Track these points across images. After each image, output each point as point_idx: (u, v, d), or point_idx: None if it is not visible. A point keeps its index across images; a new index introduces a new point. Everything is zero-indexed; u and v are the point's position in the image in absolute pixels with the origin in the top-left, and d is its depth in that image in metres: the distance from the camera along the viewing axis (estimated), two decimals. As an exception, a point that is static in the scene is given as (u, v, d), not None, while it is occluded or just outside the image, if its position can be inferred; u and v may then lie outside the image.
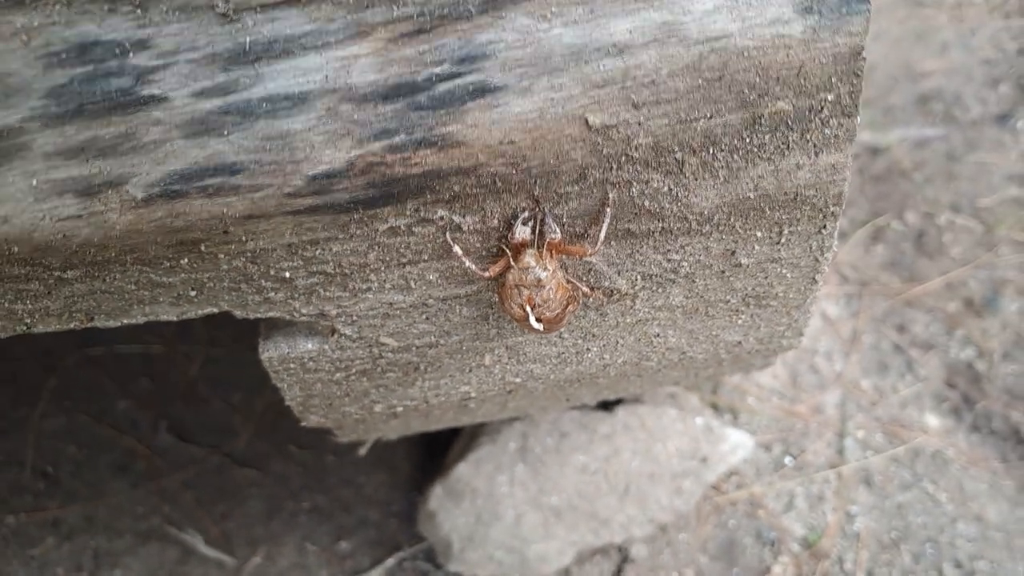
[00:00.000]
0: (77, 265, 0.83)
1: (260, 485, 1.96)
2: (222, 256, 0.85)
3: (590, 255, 0.84)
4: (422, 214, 0.83)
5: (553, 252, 0.84)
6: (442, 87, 0.75)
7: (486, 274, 0.85)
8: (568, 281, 0.88)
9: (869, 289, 2.23)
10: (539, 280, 0.82)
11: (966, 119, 2.62)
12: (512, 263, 0.83)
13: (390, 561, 1.80)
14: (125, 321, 0.92)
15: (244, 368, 2.06)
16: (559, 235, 0.83)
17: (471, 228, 0.85)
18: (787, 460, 1.89)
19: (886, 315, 2.17)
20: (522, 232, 0.83)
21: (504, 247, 0.84)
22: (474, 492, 1.62)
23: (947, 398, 1.97)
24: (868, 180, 2.49)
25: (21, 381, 2.15)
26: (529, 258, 0.82)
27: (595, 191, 0.83)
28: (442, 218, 0.83)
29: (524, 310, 0.83)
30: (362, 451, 1.40)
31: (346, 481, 1.97)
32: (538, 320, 0.84)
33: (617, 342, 1.03)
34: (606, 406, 1.71)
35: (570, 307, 0.87)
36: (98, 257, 0.82)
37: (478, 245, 0.87)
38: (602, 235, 0.83)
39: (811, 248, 0.92)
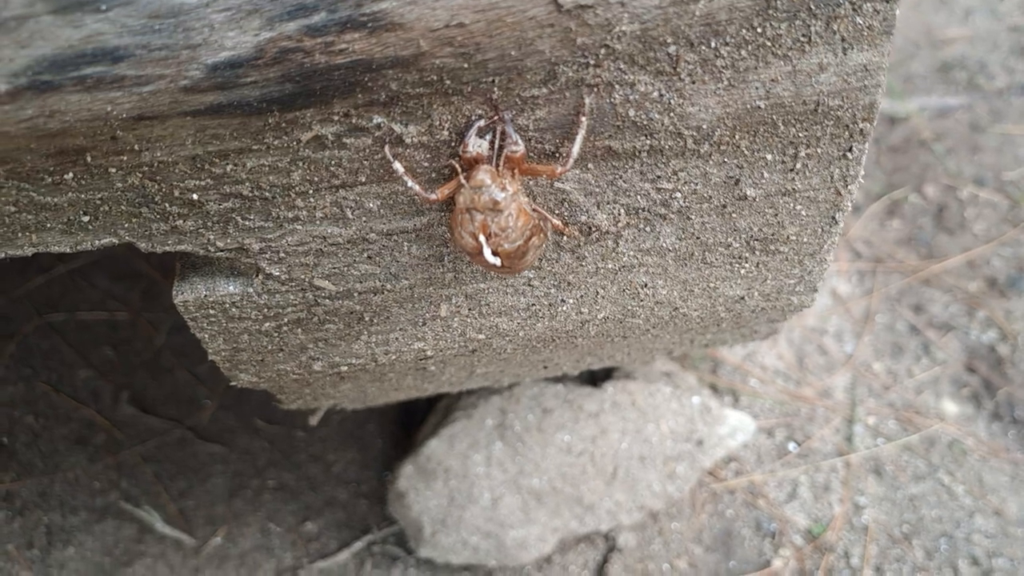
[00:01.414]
0: (-66, 176, 0.68)
1: (224, 461, 1.86)
2: (114, 171, 0.70)
3: (560, 175, 0.69)
4: (354, 120, 0.67)
5: (514, 170, 0.69)
6: (371, -54, 0.59)
7: (433, 197, 0.69)
8: (534, 209, 0.72)
9: (884, 266, 2.11)
10: (495, 202, 0.67)
11: (991, 88, 2.49)
12: (464, 182, 0.67)
13: (358, 544, 1.69)
14: (11, 252, 0.77)
15: None
16: (522, 148, 0.67)
17: (415, 141, 0.69)
18: (791, 446, 1.76)
19: (902, 294, 2.06)
20: (477, 145, 0.67)
21: (456, 164, 0.68)
22: (447, 471, 1.48)
23: (966, 384, 1.84)
24: (885, 151, 2.36)
25: (-23, 347, 2.04)
26: (483, 174, 0.67)
27: (568, 96, 0.67)
28: (379, 127, 0.68)
29: (477, 240, 0.68)
30: (313, 420, 1.24)
31: (315, 458, 1.88)
32: (494, 253, 0.68)
33: (597, 293, 0.87)
34: (594, 381, 1.57)
35: (534, 240, 0.71)
36: (-41, 166, 0.67)
37: (426, 164, 0.72)
38: (575, 151, 0.68)
39: (832, 177, 0.76)
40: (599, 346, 1.04)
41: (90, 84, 0.63)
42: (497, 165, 0.68)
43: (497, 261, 0.68)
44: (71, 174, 0.70)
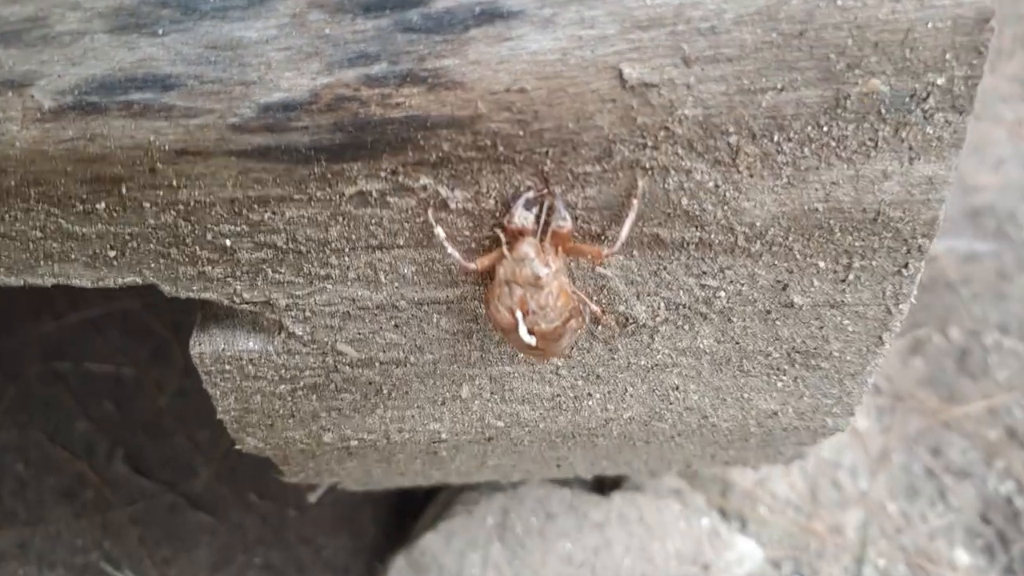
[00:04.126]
0: (-33, 192, 0.66)
1: (212, 532, 1.80)
2: (148, 206, 0.68)
3: (605, 258, 0.66)
4: (401, 179, 0.65)
5: (559, 247, 0.66)
6: (441, 3, 0.58)
7: (472, 267, 0.67)
8: (574, 292, 0.69)
9: (904, 404, 2.08)
10: (537, 277, 0.64)
11: (1019, 238, 2.49)
12: (506, 253, 0.65)
13: (340, 635, 1.59)
14: (29, 280, 0.74)
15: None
16: (569, 224, 0.65)
17: (460, 207, 0.67)
18: (798, 580, 1.68)
19: (920, 435, 2.02)
20: (523, 217, 0.65)
21: (499, 234, 0.66)
22: (441, 568, 1.41)
23: (980, 534, 1.78)
24: None
25: (-23, 389, 2.02)
26: (528, 247, 0.64)
27: (621, 177, 0.65)
28: (425, 188, 0.66)
29: (514, 316, 0.65)
30: (311, 497, 1.19)
31: (305, 540, 1.81)
32: (530, 332, 0.65)
33: (626, 390, 0.84)
34: (601, 489, 1.51)
35: (572, 323, 0.68)
36: (-7, 184, 0.65)
37: (467, 233, 0.70)
38: (623, 234, 0.65)
39: (884, 293, 0.73)
40: (618, 450, 0.99)
41: (137, 110, 0.62)
42: (542, 240, 0.66)
43: (532, 340, 0.65)
44: (104, 204, 0.68)
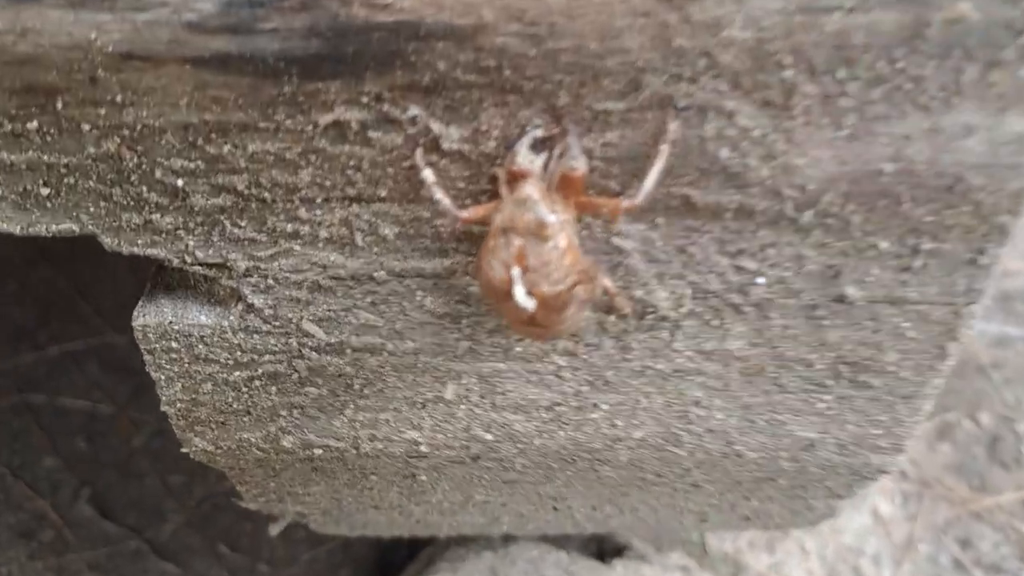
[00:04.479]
0: None
1: None
2: (88, 128, 0.57)
3: (625, 212, 0.55)
4: (386, 107, 0.55)
5: (570, 194, 0.55)
6: None
7: (464, 215, 0.56)
8: (583, 255, 0.57)
9: (931, 491, 1.97)
10: (541, 223, 0.52)
11: (1053, 324, 2.39)
12: (504, 194, 0.54)
13: None
14: (-54, 223, 0.63)
15: None
16: (583, 167, 0.54)
17: (455, 148, 0.57)
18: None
19: (948, 524, 1.92)
20: (528, 159, 0.54)
21: (499, 173, 0.55)
22: (417, 632, 1.25)
23: (1011, 637, 1.66)
24: None
25: (-55, 415, 1.94)
26: (531, 188, 0.53)
27: (649, 118, 0.54)
28: (415, 121, 0.55)
29: (509, 272, 0.53)
30: (273, 530, 1.05)
31: None
32: (529, 294, 0.53)
33: (638, 402, 0.71)
34: (601, 555, 1.36)
35: (579, 291, 0.55)
36: (-95, 89, 0.55)
37: (461, 185, 0.59)
38: (649, 184, 0.54)
39: (953, 288, 0.61)
40: (624, 488, 0.86)
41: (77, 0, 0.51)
42: (550, 184, 0.54)
43: (530, 304, 0.53)
44: (36, 123, 0.57)
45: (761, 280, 0.62)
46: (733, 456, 0.76)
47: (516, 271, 0.53)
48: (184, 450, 0.79)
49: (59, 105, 0.56)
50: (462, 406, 0.73)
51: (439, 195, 0.56)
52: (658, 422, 0.73)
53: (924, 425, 2.09)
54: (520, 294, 0.53)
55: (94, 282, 2.23)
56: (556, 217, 0.53)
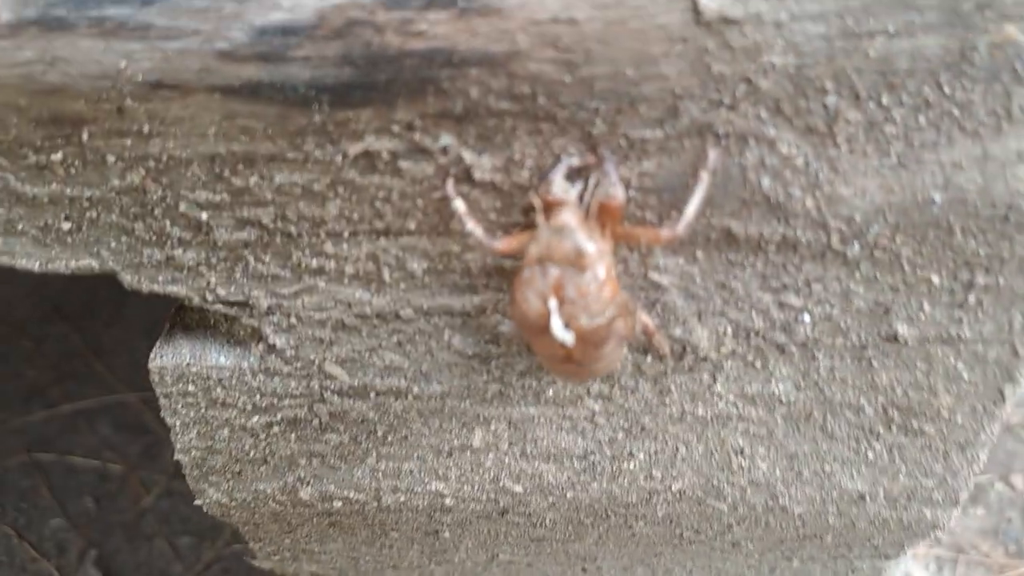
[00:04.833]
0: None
1: None
2: (113, 160, 0.56)
3: (665, 243, 0.53)
4: (417, 136, 0.53)
5: (607, 224, 0.53)
6: (481, -100, 0.48)
7: (497, 245, 0.54)
8: (622, 288, 0.55)
9: (966, 556, 1.92)
10: (580, 253, 0.50)
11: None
12: (541, 222, 0.52)
13: None
14: (-34, 259, 0.62)
15: (204, 511, 1.81)
16: (622, 196, 0.52)
17: (487, 179, 0.55)
18: None
19: None
20: (563, 188, 0.52)
21: (535, 201, 0.53)
22: None
23: None
24: None
25: (-46, 472, 1.92)
26: (569, 215, 0.51)
27: (687, 147, 0.53)
28: (446, 150, 0.54)
29: (546, 305, 0.50)
30: (288, 592, 1.00)
31: None
32: (567, 327, 0.50)
33: (677, 451, 0.68)
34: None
35: (619, 325, 0.53)
36: (-69, 120, 0.54)
37: (492, 217, 0.57)
38: (690, 213, 0.52)
39: (1010, 325, 0.58)
40: (660, 546, 0.81)
41: (109, 28, 0.51)
42: (587, 213, 0.52)
43: (569, 338, 0.50)
44: (61, 155, 0.56)
45: (806, 318, 0.59)
46: (778, 510, 0.72)
47: (553, 302, 0.50)
48: (197, 502, 0.76)
49: (85, 136, 0.55)
50: (490, 454, 0.70)
51: (471, 225, 0.54)
52: (698, 472, 0.70)
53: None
54: (558, 326, 0.50)
55: (108, 341, 2.23)
56: (595, 246, 0.51)
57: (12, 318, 2.29)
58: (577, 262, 0.51)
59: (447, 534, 0.80)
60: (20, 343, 2.24)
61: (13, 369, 2.17)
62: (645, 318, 0.58)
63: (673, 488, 0.71)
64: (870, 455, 0.67)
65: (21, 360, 2.20)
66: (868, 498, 0.70)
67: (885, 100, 0.51)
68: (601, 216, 0.53)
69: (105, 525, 1.84)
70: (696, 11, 0.49)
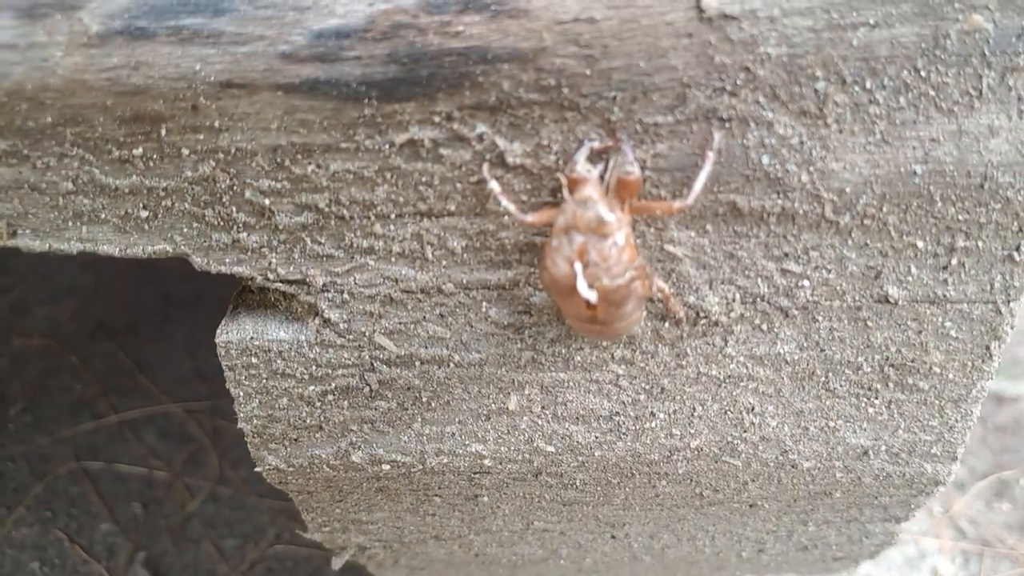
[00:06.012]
0: (2, 130, 0.63)
1: None
2: (187, 153, 0.64)
3: (677, 212, 0.60)
4: (456, 126, 0.61)
5: (626, 198, 0.60)
6: (510, -83, 0.55)
7: (529, 219, 0.61)
8: (639, 255, 0.62)
9: (992, 550, 1.92)
10: (601, 221, 0.57)
11: (1108, 381, 2.36)
12: (566, 196, 0.59)
13: None
14: (55, 246, 0.70)
15: (247, 514, 1.94)
16: (637, 172, 0.59)
17: (519, 162, 0.62)
18: None
19: None
20: (585, 167, 0.59)
21: (562, 179, 0.60)
22: None
23: None
24: (992, 430, 2.22)
25: (5, 482, 2.00)
26: (592, 189, 0.58)
27: (695, 130, 0.60)
28: (482, 138, 0.61)
29: (572, 267, 0.57)
30: (335, 563, 1.07)
31: None
32: (590, 287, 0.58)
33: (694, 410, 0.74)
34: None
35: (638, 286, 0.60)
36: (30, 122, 0.62)
37: (524, 198, 0.64)
38: (697, 186, 0.59)
39: (991, 285, 0.64)
40: (681, 509, 0.88)
41: (185, 36, 0.59)
42: (607, 189, 0.60)
43: (593, 296, 0.57)
44: (141, 149, 0.64)
45: (806, 283, 0.66)
46: (788, 466, 0.78)
47: (578, 265, 0.57)
48: (257, 469, 0.84)
49: (163, 132, 0.63)
50: (525, 417, 0.77)
51: (505, 202, 0.61)
52: (713, 430, 0.76)
53: (980, 484, 2.07)
54: (583, 286, 0.57)
55: (151, 356, 2.31)
56: (614, 215, 0.58)
57: (60, 336, 2.38)
58: (599, 230, 0.58)
59: (486, 498, 0.87)
60: (68, 359, 2.32)
61: (62, 384, 2.25)
62: (661, 284, 0.65)
63: (692, 445, 0.77)
64: (871, 411, 0.73)
65: (69, 375, 2.28)
66: (871, 453, 0.76)
67: (869, 84, 0.57)
68: (620, 191, 0.60)
69: (152, 529, 1.91)
70: (699, 8, 0.56)
